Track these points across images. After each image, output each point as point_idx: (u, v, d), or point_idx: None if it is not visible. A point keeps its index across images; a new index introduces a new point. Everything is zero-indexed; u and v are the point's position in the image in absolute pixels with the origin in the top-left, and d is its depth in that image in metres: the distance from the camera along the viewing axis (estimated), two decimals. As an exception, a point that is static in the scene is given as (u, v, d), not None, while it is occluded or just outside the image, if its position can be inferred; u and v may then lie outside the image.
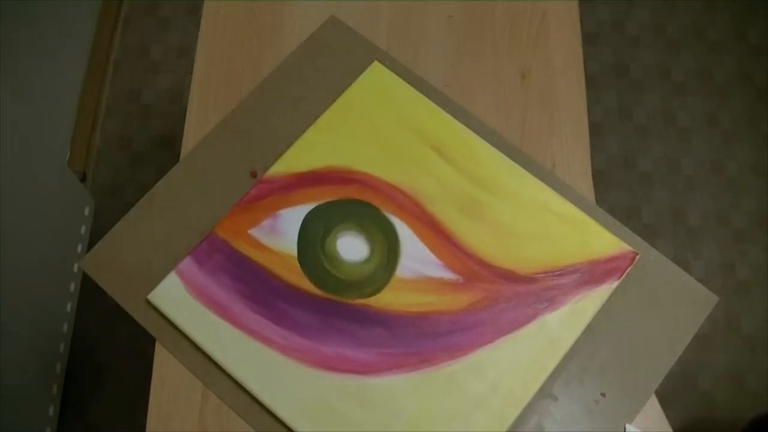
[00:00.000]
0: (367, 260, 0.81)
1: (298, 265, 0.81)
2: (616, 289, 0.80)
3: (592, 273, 0.81)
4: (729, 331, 1.59)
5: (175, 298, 0.79)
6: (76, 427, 1.45)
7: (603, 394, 0.77)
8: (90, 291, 1.54)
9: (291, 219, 0.83)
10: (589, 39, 1.82)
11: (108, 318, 1.55)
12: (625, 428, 0.76)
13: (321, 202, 0.84)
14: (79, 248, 1.53)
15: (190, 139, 0.90)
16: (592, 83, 1.78)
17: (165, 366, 0.79)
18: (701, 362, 1.54)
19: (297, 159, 0.85)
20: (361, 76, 0.90)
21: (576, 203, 0.85)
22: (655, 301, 0.81)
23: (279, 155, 0.86)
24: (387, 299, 0.80)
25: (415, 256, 0.81)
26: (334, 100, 0.89)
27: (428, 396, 0.76)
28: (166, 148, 1.64)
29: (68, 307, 1.48)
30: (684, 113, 1.80)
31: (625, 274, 0.81)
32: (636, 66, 1.83)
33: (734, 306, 1.62)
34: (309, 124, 0.88)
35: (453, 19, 0.97)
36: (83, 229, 1.55)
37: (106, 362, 1.51)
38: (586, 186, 0.88)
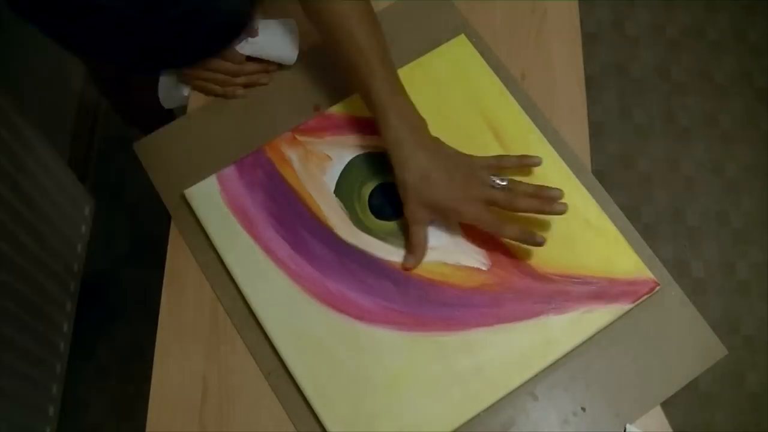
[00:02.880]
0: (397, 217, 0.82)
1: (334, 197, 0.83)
2: (627, 312, 0.80)
3: (608, 290, 0.80)
4: (729, 331, 1.59)
5: (209, 200, 0.82)
6: (76, 427, 1.46)
7: (583, 409, 0.77)
8: (90, 291, 1.54)
9: (337, 159, 0.85)
10: (589, 39, 1.82)
11: (108, 318, 1.55)
12: (625, 428, 0.76)
13: (370, 150, 0.85)
14: (79, 248, 1.53)
15: (190, 139, 0.90)
16: (592, 83, 1.79)
17: (165, 366, 0.79)
18: (701, 362, 1.54)
19: (360, 104, 0.85)
20: (444, 45, 0.92)
21: (612, 218, 0.84)
22: (663, 335, 0.80)
23: (344, 97, 0.88)
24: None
25: (445, 227, 0.82)
26: (413, 60, 0.90)
27: (414, 358, 0.76)
28: (166, 148, 1.64)
29: (68, 307, 1.48)
30: (684, 113, 1.80)
31: (640, 300, 0.80)
32: (636, 66, 1.83)
33: (734, 306, 1.62)
34: None
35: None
36: (83, 229, 1.55)
37: (106, 362, 1.51)
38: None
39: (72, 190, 1.49)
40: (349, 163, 0.85)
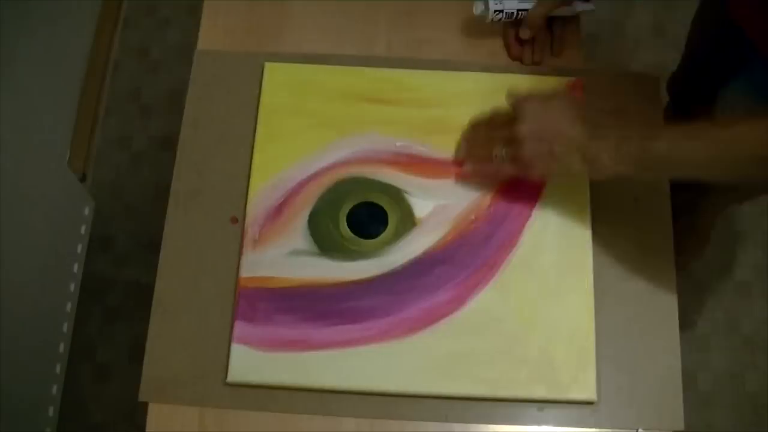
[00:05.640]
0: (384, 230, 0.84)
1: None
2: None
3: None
4: (729, 331, 1.59)
5: (253, 363, 0.79)
6: (76, 427, 1.45)
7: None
8: (90, 291, 1.54)
9: (297, 230, 0.84)
10: (589, 39, 1.82)
11: (108, 318, 1.55)
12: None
13: (313, 202, 0.85)
14: (79, 248, 1.53)
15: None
16: (592, 83, 1.78)
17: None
18: (701, 362, 1.54)
19: (263, 184, 0.86)
20: (264, 83, 0.90)
21: (512, 71, 0.92)
22: None
23: (245, 192, 0.85)
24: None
25: (424, 192, 0.85)
26: (256, 117, 0.89)
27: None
28: (166, 148, 1.64)
29: (68, 307, 1.48)
30: (684, 113, 1.80)
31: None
32: (636, 66, 1.83)
33: (734, 306, 1.62)
34: (249, 152, 0.87)
35: (453, 20, 0.97)
36: (83, 229, 1.55)
37: (106, 362, 1.51)
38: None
39: (72, 190, 1.49)
40: (310, 222, 0.84)
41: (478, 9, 0.91)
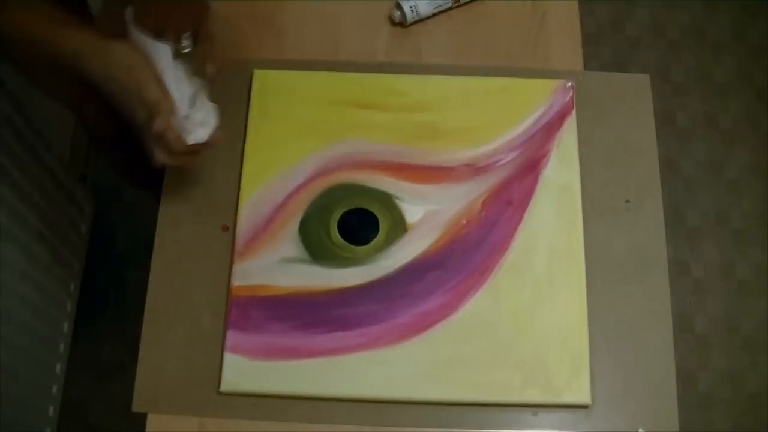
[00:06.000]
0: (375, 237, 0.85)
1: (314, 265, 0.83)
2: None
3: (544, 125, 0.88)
4: (729, 331, 1.59)
5: (246, 373, 0.79)
6: (76, 427, 1.46)
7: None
8: (90, 291, 1.54)
9: (288, 238, 0.84)
10: (589, 39, 1.82)
11: (108, 318, 1.55)
12: None
13: (304, 209, 0.85)
14: (79, 248, 1.53)
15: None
16: (592, 83, 1.78)
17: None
18: (701, 362, 1.54)
19: (254, 192, 0.86)
20: (253, 90, 0.91)
21: (504, 74, 0.91)
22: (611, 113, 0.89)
23: (236, 200, 0.86)
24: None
25: (415, 198, 0.85)
26: (246, 125, 0.89)
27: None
28: (166, 148, 1.64)
29: (68, 307, 1.48)
30: (684, 113, 1.79)
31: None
32: (636, 67, 1.83)
33: (734, 306, 1.61)
34: (239, 160, 0.88)
35: (453, 20, 0.97)
36: (83, 229, 1.55)
37: (106, 362, 1.51)
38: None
39: (72, 190, 1.50)
40: (301, 231, 0.84)
41: (396, 16, 0.95)
